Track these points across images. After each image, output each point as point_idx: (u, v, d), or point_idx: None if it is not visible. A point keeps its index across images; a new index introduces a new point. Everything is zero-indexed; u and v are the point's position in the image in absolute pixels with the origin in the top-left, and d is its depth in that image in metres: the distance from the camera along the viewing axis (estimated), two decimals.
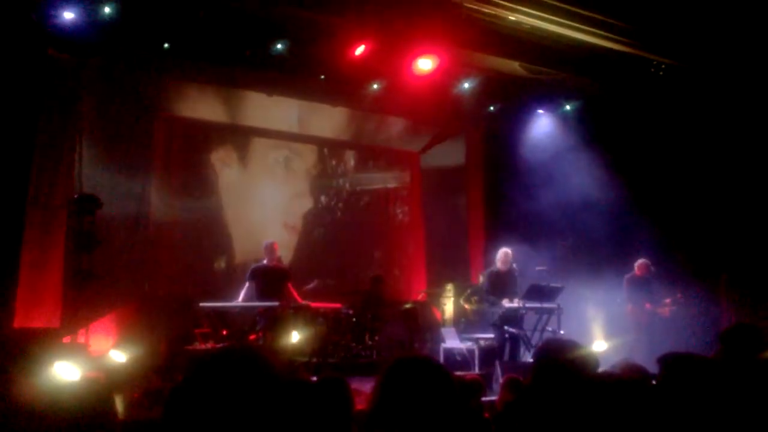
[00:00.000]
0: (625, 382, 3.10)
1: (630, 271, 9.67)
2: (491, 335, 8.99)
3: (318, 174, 12.43)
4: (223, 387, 1.64)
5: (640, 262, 9.56)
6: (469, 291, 10.26)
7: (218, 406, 1.62)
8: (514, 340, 8.73)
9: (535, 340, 8.59)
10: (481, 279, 10.19)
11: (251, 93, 10.69)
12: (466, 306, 10.15)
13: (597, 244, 10.64)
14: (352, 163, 12.89)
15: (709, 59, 9.12)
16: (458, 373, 7.36)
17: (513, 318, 8.68)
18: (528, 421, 2.62)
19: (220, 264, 11.11)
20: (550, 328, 8.63)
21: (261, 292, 8.18)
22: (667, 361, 2.82)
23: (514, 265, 9.04)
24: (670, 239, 9.69)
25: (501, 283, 8.86)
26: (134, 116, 10.05)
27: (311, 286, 9.33)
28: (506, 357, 8.64)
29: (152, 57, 9.12)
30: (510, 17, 8.31)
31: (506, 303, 8.64)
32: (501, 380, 6.76)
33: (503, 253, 8.94)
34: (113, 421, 2.38)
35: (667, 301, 9.41)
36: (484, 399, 5.07)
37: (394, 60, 9.38)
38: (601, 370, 3.00)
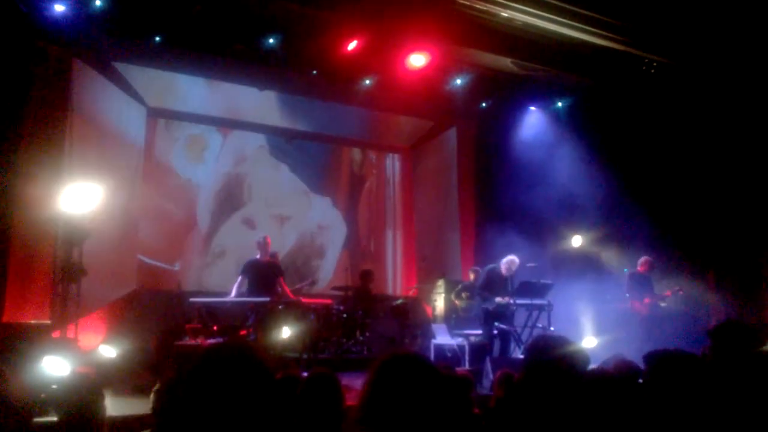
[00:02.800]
0: (614, 378, 3.12)
1: (626, 267, 9.71)
2: (482, 332, 9.01)
3: (309, 167, 12.40)
4: (213, 383, 1.64)
5: (643, 259, 9.51)
6: (459, 287, 10.28)
7: (209, 401, 1.61)
8: (505, 337, 8.75)
9: (526, 336, 8.62)
10: (471, 276, 10.21)
11: (242, 87, 10.65)
12: (457, 302, 10.16)
13: (588, 239, 10.69)
14: (344, 158, 12.87)
15: (700, 57, 9.16)
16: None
17: (503, 314, 8.71)
18: (518, 417, 2.63)
19: (211, 259, 11.08)
20: (540, 325, 8.65)
21: (253, 287, 8.18)
22: (652, 358, 2.84)
23: None
24: (662, 234, 9.73)
25: (499, 283, 8.88)
26: (125, 109, 10.00)
27: (304, 284, 9.30)
28: (497, 353, 8.66)
29: (143, 50, 9.08)
30: (502, 14, 8.32)
31: (498, 299, 8.67)
32: (492, 376, 6.79)
33: (510, 262, 8.92)
34: (102, 416, 2.38)
35: (667, 293, 9.41)
36: (474, 394, 5.08)
37: (386, 55, 9.38)
38: (592, 366, 3.02)
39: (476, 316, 9.19)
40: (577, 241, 9.99)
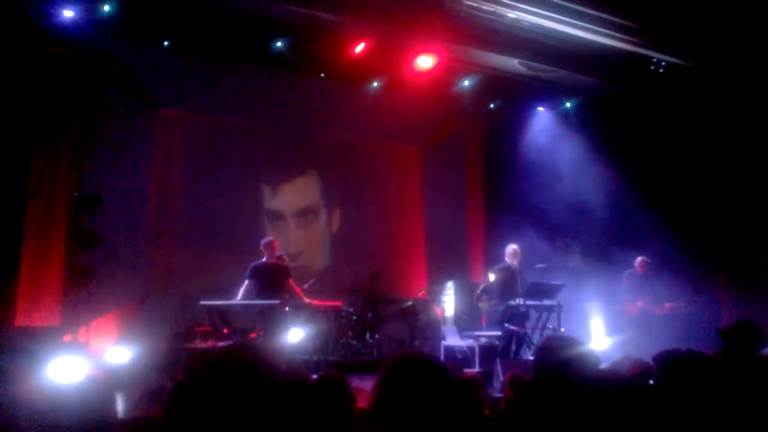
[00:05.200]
0: (624, 379, 3.10)
1: (629, 267, 9.71)
2: (491, 333, 8.98)
3: (319, 170, 12.40)
4: (223, 385, 1.64)
5: (639, 260, 9.61)
6: (479, 290, 10.21)
7: (219, 404, 1.62)
8: (516, 338, 8.74)
9: (536, 338, 8.59)
10: (491, 277, 10.18)
11: (251, 89, 10.66)
12: (481, 307, 10.02)
13: (597, 241, 10.65)
14: (352, 160, 12.86)
15: (709, 56, 9.12)
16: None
17: (518, 315, 8.69)
18: (528, 418, 2.63)
19: (221, 261, 11.09)
20: (550, 326, 8.62)
21: (262, 290, 8.15)
22: (662, 358, 2.83)
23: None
24: (672, 234, 9.69)
25: (511, 280, 8.88)
26: (135, 113, 10.05)
27: (311, 283, 9.29)
28: (502, 354, 8.64)
29: (153, 54, 9.13)
30: (509, 15, 8.31)
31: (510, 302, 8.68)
32: (503, 377, 6.77)
33: (513, 252, 8.94)
34: (113, 419, 2.39)
35: (667, 305, 9.44)
36: (484, 396, 5.07)
37: (394, 58, 9.39)
38: (602, 367, 3.00)
39: (497, 318, 9.15)
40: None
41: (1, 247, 7.50)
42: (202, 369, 1.71)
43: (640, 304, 9.39)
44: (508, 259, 8.95)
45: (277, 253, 8.57)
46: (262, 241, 8.52)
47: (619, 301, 9.65)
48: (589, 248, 10.85)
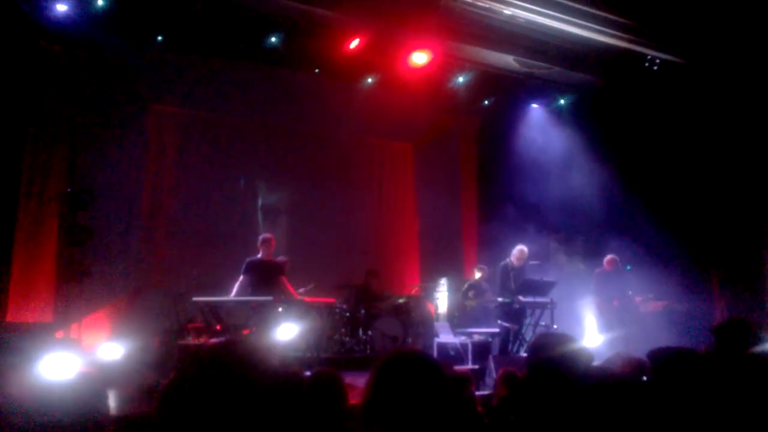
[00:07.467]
0: (617, 376, 3.11)
1: (629, 264, 9.75)
2: (485, 330, 9.01)
3: (313, 166, 12.36)
4: (216, 383, 1.63)
5: (608, 258, 9.64)
6: (465, 287, 10.23)
7: (211, 401, 1.61)
8: (507, 335, 8.77)
9: (529, 335, 8.62)
10: (477, 274, 10.18)
11: (245, 84, 10.62)
12: (466, 303, 10.08)
13: (591, 238, 10.68)
14: (346, 156, 12.83)
15: (703, 53, 9.15)
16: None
17: (513, 312, 8.71)
18: (521, 415, 2.63)
19: (214, 258, 11.06)
20: (543, 323, 8.65)
21: (255, 286, 8.14)
22: (657, 355, 2.84)
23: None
24: (665, 231, 9.73)
25: (507, 279, 8.89)
26: (127, 109, 9.99)
27: (307, 289, 9.23)
28: (500, 351, 8.67)
29: (146, 50, 9.09)
30: (505, 11, 8.30)
31: (499, 299, 8.70)
32: (495, 374, 6.79)
33: (520, 251, 9.00)
34: (106, 416, 2.37)
35: (638, 299, 9.50)
36: (477, 393, 5.08)
37: (388, 54, 9.38)
38: (596, 364, 3.01)
39: (490, 314, 9.17)
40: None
41: None
42: (195, 366, 1.70)
43: (615, 302, 9.44)
44: (513, 259, 8.97)
45: (273, 250, 8.54)
46: (260, 237, 8.51)
47: (592, 301, 9.69)
48: (582, 245, 10.88)
